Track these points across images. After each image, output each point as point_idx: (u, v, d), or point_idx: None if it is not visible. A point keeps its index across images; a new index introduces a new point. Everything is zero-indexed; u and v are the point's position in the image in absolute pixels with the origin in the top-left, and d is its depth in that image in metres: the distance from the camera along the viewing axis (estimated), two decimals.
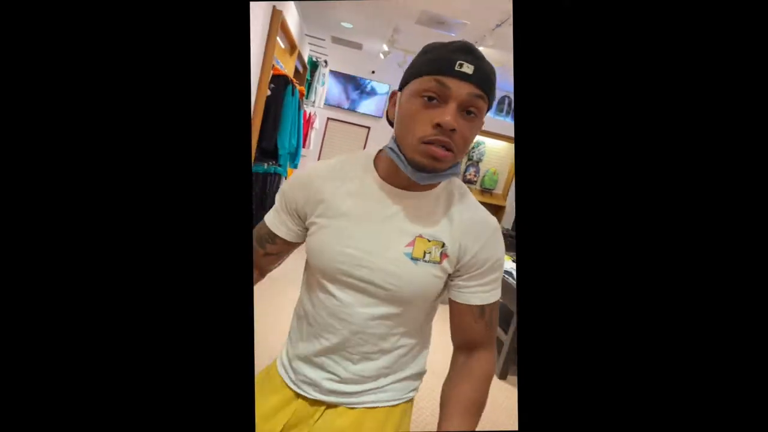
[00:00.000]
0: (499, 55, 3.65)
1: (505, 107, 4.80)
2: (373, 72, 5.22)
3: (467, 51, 0.52)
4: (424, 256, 0.57)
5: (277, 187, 2.99)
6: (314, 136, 4.90)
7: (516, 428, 0.44)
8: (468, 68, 0.50)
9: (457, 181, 0.63)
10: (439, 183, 0.59)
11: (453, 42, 0.54)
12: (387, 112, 0.61)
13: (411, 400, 0.68)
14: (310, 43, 4.59)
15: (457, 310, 0.61)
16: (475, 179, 5.01)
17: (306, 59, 4.30)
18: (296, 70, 3.69)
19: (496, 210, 5.13)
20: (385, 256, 0.57)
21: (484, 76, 0.52)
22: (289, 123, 2.71)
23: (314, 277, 0.62)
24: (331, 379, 0.62)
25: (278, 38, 2.64)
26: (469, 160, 5.01)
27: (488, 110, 0.55)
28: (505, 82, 4.53)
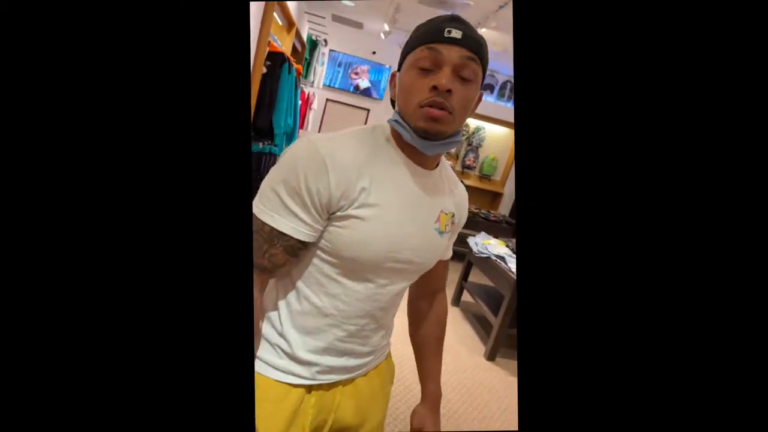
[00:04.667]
0: (502, 39, 3.57)
1: (507, 92, 4.72)
2: (374, 53, 5.11)
3: (454, 19, 0.55)
4: (446, 229, 0.63)
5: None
6: (312, 117, 4.83)
7: (516, 428, 0.45)
8: (456, 33, 0.53)
9: (442, 158, 0.67)
10: (440, 161, 0.64)
11: (440, 16, 0.56)
12: (390, 94, 0.63)
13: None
14: (309, 21, 4.48)
15: (437, 264, 0.70)
16: (474, 165, 4.96)
17: (305, 37, 4.20)
18: (294, 48, 3.61)
19: (494, 197, 5.10)
20: (423, 235, 0.60)
21: (473, 41, 0.54)
22: (285, 102, 2.66)
23: (341, 267, 0.57)
24: (350, 358, 0.64)
25: (275, 14, 2.56)
26: (469, 145, 4.96)
27: (483, 78, 0.57)
28: (507, 67, 4.45)
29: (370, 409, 0.69)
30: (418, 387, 0.76)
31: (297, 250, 0.56)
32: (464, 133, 4.97)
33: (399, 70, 0.60)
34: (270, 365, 0.60)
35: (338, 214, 0.55)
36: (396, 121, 0.57)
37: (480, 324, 2.69)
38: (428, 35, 0.54)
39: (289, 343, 0.61)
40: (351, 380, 0.66)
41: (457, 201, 0.67)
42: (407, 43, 0.58)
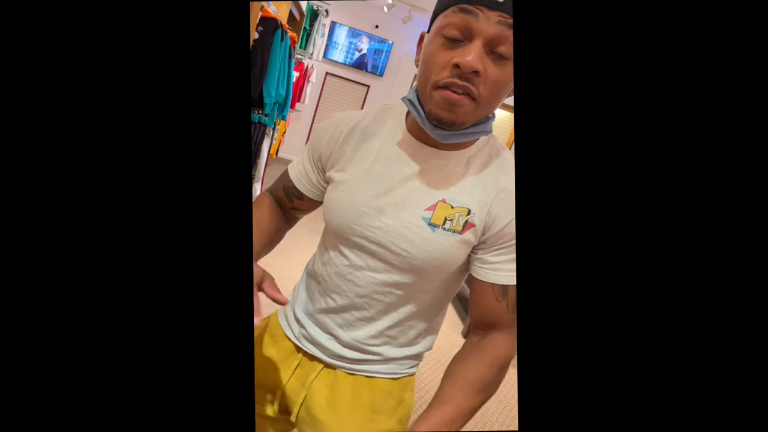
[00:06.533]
0: None
1: None
2: (376, 27, 4.99)
3: None
4: (444, 224, 0.51)
5: (261, 138, 2.91)
6: (310, 91, 4.76)
7: (510, 423, 0.45)
8: None
9: (498, 142, 0.56)
10: (474, 142, 0.52)
11: None
12: (415, 60, 0.53)
13: (412, 375, 0.65)
14: None
15: (478, 287, 0.54)
16: None
17: (305, 6, 4.10)
18: (291, 17, 3.52)
19: None
20: (400, 218, 0.51)
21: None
22: (276, 71, 2.61)
23: (329, 235, 0.59)
24: (331, 340, 0.60)
25: None
26: None
27: None
28: None
29: (345, 419, 0.59)
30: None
31: (291, 194, 0.62)
32: None
33: (428, 31, 0.49)
34: (283, 309, 0.67)
35: (326, 174, 0.57)
36: (409, 100, 0.50)
37: (461, 303, 2.70)
38: None
39: (296, 298, 0.65)
40: (332, 369, 0.61)
41: (488, 199, 0.51)
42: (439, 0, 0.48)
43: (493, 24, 0.42)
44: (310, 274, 0.63)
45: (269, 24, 2.48)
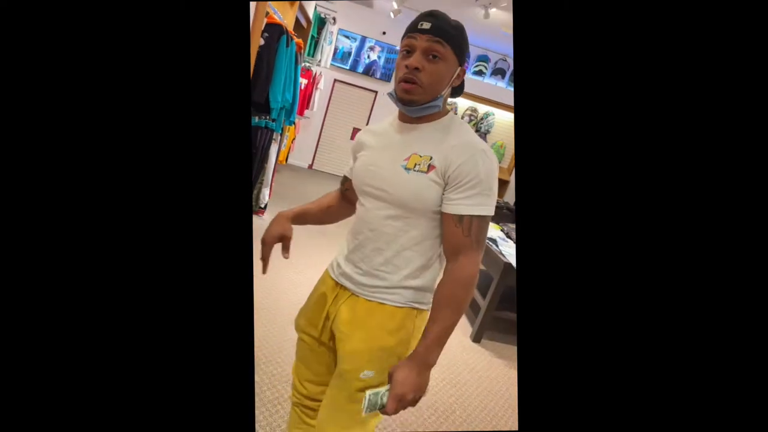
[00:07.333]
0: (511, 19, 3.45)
1: None
2: (384, 33, 5.02)
3: (428, 15, 0.76)
4: (414, 167, 0.76)
5: (269, 143, 2.92)
6: (319, 98, 4.79)
7: (516, 428, 0.45)
8: (426, 25, 0.73)
9: (457, 118, 0.83)
10: (440, 118, 0.80)
11: (424, 11, 0.77)
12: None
13: (418, 310, 0.83)
14: None
15: (444, 220, 0.78)
16: None
17: (312, 14, 4.14)
18: (299, 24, 3.56)
19: (500, 185, 5.01)
20: (389, 168, 0.78)
21: (440, 29, 0.73)
22: (282, 76, 2.62)
23: (357, 195, 0.85)
24: (357, 272, 0.83)
25: None
26: (477, 131, 4.86)
27: (462, 57, 0.77)
28: None
29: (358, 332, 0.81)
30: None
31: (343, 181, 0.95)
32: (473, 118, 4.87)
33: None
34: (332, 262, 0.92)
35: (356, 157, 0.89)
36: (390, 93, 0.80)
37: (472, 311, 2.65)
38: (409, 27, 0.76)
39: (340, 251, 0.90)
40: (356, 296, 0.84)
41: (445, 150, 0.76)
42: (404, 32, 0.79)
43: (425, 42, 0.73)
44: (350, 231, 0.88)
45: (274, 30, 2.51)
